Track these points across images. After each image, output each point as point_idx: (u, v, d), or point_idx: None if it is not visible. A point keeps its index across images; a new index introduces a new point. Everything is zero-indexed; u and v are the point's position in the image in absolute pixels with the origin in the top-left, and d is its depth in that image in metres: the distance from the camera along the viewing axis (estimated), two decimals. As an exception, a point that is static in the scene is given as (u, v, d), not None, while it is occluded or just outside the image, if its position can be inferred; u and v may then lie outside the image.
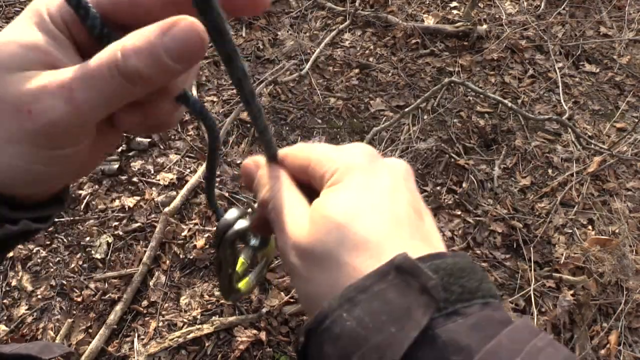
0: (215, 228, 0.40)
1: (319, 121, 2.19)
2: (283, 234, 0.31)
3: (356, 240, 0.27)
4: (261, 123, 0.33)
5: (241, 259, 0.42)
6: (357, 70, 2.40)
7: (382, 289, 0.24)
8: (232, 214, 0.39)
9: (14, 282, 1.64)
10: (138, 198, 1.86)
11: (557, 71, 2.43)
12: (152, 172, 1.94)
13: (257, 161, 0.37)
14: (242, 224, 0.39)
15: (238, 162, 1.98)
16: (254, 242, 0.42)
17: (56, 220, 1.78)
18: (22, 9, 2.51)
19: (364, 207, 0.28)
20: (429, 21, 2.64)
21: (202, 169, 1.91)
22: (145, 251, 1.70)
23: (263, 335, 1.53)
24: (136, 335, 1.55)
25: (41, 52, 0.25)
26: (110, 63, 0.23)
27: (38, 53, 0.25)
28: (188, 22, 0.24)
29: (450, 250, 0.29)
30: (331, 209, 0.28)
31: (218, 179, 1.92)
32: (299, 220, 0.31)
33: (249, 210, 0.40)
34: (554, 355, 0.23)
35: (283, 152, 0.36)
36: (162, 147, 2.02)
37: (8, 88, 0.24)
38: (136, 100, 0.26)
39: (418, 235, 0.28)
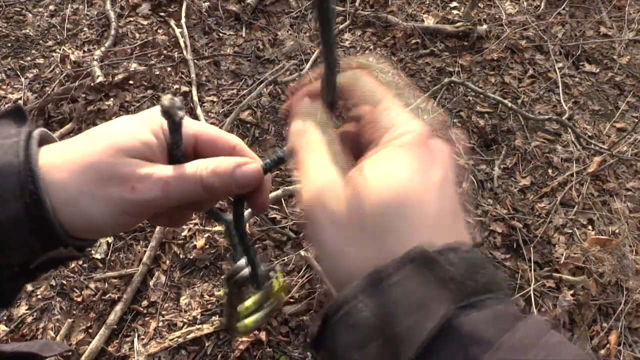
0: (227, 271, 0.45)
1: (319, 121, 2.19)
2: (314, 193, 0.30)
3: (398, 227, 0.27)
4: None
5: (246, 303, 0.44)
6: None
7: (400, 279, 0.25)
8: (243, 262, 0.42)
9: (14, 282, 1.64)
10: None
11: (557, 71, 2.43)
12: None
13: (301, 105, 0.36)
14: (246, 272, 0.42)
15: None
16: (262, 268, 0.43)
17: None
18: (23, 8, 2.51)
19: (415, 195, 0.28)
20: (429, 21, 2.64)
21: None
22: (145, 251, 1.70)
23: (263, 335, 1.53)
24: (136, 335, 1.55)
25: (150, 149, 0.35)
26: (196, 174, 0.34)
27: (148, 149, 0.35)
28: (254, 166, 0.36)
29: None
30: (381, 187, 0.28)
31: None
32: (334, 179, 0.29)
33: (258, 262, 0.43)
34: (565, 350, 0.23)
35: (353, 68, 0.36)
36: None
37: (124, 167, 0.33)
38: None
39: (454, 231, 0.29)
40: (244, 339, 1.53)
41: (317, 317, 0.28)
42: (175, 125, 0.34)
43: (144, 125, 0.35)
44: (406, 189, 0.28)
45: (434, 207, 0.28)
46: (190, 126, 0.38)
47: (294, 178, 0.32)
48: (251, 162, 0.36)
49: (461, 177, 2.03)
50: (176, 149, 0.35)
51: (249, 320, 0.44)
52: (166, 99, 0.32)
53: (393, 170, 0.28)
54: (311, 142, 0.32)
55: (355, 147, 0.33)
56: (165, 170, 0.34)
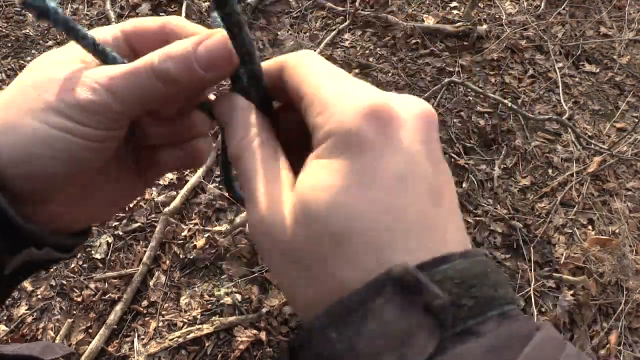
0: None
1: (319, 121, 2.19)
2: (255, 216, 0.25)
3: (354, 243, 0.22)
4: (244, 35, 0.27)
5: None
6: (357, 70, 2.40)
7: (377, 306, 0.21)
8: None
9: (14, 282, 1.64)
10: (138, 198, 1.86)
11: (557, 71, 2.43)
12: (152, 172, 1.94)
13: (229, 96, 0.29)
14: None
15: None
16: None
17: (56, 220, 1.78)
18: (22, 8, 2.51)
19: (368, 202, 0.22)
20: (429, 21, 2.64)
21: (202, 168, 1.91)
22: (145, 251, 1.70)
23: (263, 335, 1.53)
24: (136, 335, 1.55)
25: (88, 61, 0.29)
26: (147, 64, 0.27)
27: (85, 59, 0.29)
28: (220, 36, 0.27)
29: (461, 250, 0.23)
30: (325, 201, 0.22)
31: (218, 179, 1.92)
32: (277, 201, 0.24)
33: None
34: None
35: (280, 61, 0.29)
36: (162, 147, 2.02)
37: (57, 72, 0.27)
38: (164, 115, 0.30)
39: (431, 232, 0.22)
40: (244, 338, 1.53)
41: (284, 350, 0.24)
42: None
43: (64, 54, 0.29)
44: (358, 198, 0.22)
45: (396, 211, 0.22)
46: (107, 29, 0.31)
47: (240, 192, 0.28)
48: (217, 32, 0.28)
49: (461, 177, 2.03)
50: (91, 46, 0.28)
51: None
52: None
53: (338, 181, 0.22)
54: (252, 150, 0.27)
55: (301, 148, 0.27)
56: (107, 69, 0.28)
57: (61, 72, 0.27)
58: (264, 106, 0.30)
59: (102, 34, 0.30)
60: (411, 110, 0.24)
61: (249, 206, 0.25)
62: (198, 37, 0.28)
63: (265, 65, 0.29)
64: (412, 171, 0.23)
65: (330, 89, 0.24)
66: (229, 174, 0.36)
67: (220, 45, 0.27)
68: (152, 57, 0.27)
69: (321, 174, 0.23)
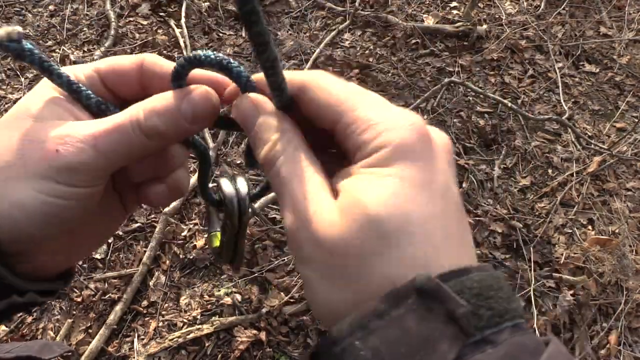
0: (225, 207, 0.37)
1: (319, 121, 2.18)
2: (298, 217, 0.25)
3: (406, 245, 0.23)
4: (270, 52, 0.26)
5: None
6: (357, 70, 2.40)
7: (400, 314, 0.21)
8: (227, 183, 0.36)
9: (13, 282, 1.64)
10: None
11: (557, 71, 2.43)
12: (152, 172, 1.94)
13: (258, 101, 0.29)
14: (244, 184, 0.36)
15: (238, 162, 1.98)
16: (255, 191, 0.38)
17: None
18: (23, 8, 2.51)
19: (422, 207, 0.23)
20: (429, 21, 2.64)
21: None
22: (145, 251, 1.70)
23: (263, 336, 1.53)
24: (136, 335, 1.55)
25: (65, 106, 0.29)
26: (132, 120, 0.28)
27: (63, 107, 0.29)
28: (203, 90, 0.29)
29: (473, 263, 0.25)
30: (376, 206, 0.23)
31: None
32: (321, 202, 0.25)
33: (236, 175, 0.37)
34: None
35: (298, 79, 0.28)
36: (162, 147, 2.02)
37: (39, 133, 0.27)
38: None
39: (457, 245, 0.24)
40: (244, 338, 1.53)
41: (305, 355, 0.24)
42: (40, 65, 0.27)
43: (44, 88, 0.30)
44: (408, 207, 0.23)
45: (440, 224, 0.24)
46: (81, 68, 0.31)
47: (275, 195, 0.28)
48: (199, 87, 0.29)
49: (461, 177, 2.03)
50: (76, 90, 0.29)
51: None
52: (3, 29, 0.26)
53: (388, 189, 0.24)
54: (289, 154, 0.27)
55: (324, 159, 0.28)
56: (90, 124, 0.28)
57: (43, 132, 0.27)
58: (283, 102, 0.30)
59: (77, 72, 0.30)
60: (439, 136, 0.27)
61: (289, 209, 0.26)
62: (181, 92, 0.29)
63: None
64: (449, 187, 0.25)
65: (367, 109, 0.26)
66: (204, 179, 0.37)
67: (203, 99, 0.28)
68: (137, 113, 0.28)
69: (377, 180, 0.24)
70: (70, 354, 1.48)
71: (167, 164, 0.34)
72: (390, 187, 0.24)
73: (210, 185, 0.39)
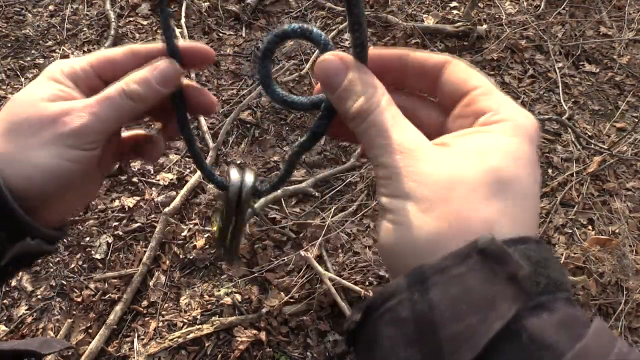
0: (224, 195, 0.39)
1: (319, 121, 2.19)
2: (407, 154, 0.26)
3: (504, 204, 0.25)
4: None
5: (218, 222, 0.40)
6: (357, 70, 2.40)
7: (461, 272, 0.22)
8: (236, 174, 0.38)
9: (13, 282, 1.64)
10: (138, 198, 1.86)
11: (557, 71, 2.43)
12: (152, 172, 1.94)
13: (344, 58, 0.32)
14: (251, 175, 0.38)
15: (238, 162, 1.98)
16: (264, 187, 0.39)
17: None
18: (23, 8, 2.51)
19: (524, 179, 0.26)
20: (429, 21, 2.64)
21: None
22: (145, 251, 1.70)
23: (263, 336, 1.53)
24: (136, 335, 1.55)
25: (64, 92, 0.36)
26: (118, 89, 0.36)
27: (62, 92, 0.36)
28: (167, 61, 0.37)
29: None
30: (498, 157, 0.26)
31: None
32: (428, 143, 0.27)
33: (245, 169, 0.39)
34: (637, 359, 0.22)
35: (440, 56, 0.32)
36: (162, 147, 2.02)
37: (47, 109, 0.34)
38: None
39: (535, 222, 0.27)
40: (244, 338, 1.53)
41: (358, 306, 0.25)
42: None
43: (42, 79, 0.36)
44: (518, 170, 0.26)
45: (532, 196, 0.26)
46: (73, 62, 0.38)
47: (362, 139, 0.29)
48: (162, 60, 0.37)
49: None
50: None
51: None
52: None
53: (509, 148, 0.26)
54: (384, 105, 0.29)
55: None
56: (86, 100, 0.36)
57: (51, 109, 0.34)
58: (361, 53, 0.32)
59: (73, 64, 0.37)
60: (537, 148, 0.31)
61: (393, 150, 0.27)
62: (150, 65, 0.37)
63: (420, 55, 0.33)
64: (540, 175, 0.28)
65: (502, 93, 0.30)
66: (201, 161, 0.40)
67: (168, 67, 0.37)
68: (121, 85, 0.36)
69: (502, 140, 0.27)
70: (70, 352, 1.48)
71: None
72: (512, 149, 0.26)
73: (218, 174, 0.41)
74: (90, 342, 1.50)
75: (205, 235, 1.76)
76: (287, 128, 2.14)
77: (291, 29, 0.33)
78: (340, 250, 1.74)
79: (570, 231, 1.90)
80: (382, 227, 0.27)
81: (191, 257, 1.71)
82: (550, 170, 2.10)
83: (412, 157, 0.26)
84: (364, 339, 0.25)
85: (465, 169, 0.25)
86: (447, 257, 0.23)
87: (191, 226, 1.78)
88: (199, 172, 1.90)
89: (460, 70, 0.31)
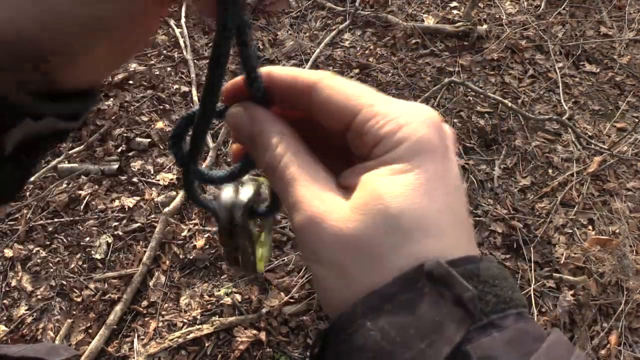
0: (218, 218, 0.34)
1: (319, 121, 2.19)
2: (308, 216, 0.25)
3: (421, 237, 0.24)
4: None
5: (256, 234, 0.36)
6: (357, 70, 2.40)
7: (409, 298, 0.22)
8: (228, 191, 0.33)
9: (13, 283, 1.64)
10: (138, 198, 1.86)
11: (557, 71, 2.43)
12: (152, 172, 1.94)
13: (249, 108, 0.29)
14: (247, 193, 0.33)
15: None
16: (261, 209, 0.35)
17: (56, 220, 1.78)
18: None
19: (434, 207, 0.24)
20: (429, 21, 2.64)
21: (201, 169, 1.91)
22: (145, 251, 1.70)
23: (263, 336, 1.53)
24: (136, 335, 1.55)
25: None
26: None
27: None
28: None
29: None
30: (395, 201, 0.24)
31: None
32: (331, 199, 0.26)
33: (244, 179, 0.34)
34: None
35: (307, 78, 0.28)
36: (161, 147, 2.02)
37: None
38: None
39: (466, 235, 0.26)
40: (244, 339, 1.53)
41: (317, 337, 0.25)
42: None
43: None
44: (422, 202, 0.24)
45: (452, 218, 0.25)
46: None
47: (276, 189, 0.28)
48: None
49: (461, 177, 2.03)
50: None
51: (263, 249, 0.37)
52: None
53: (406, 183, 0.24)
54: (291, 156, 0.27)
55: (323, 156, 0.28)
56: None
57: None
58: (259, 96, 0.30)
59: None
60: (446, 127, 0.28)
61: (297, 209, 0.26)
62: None
63: (282, 75, 0.29)
64: (458, 178, 0.26)
65: (384, 105, 0.26)
66: (189, 179, 0.33)
67: None
68: None
69: (397, 175, 0.25)
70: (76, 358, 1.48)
71: None
72: (410, 182, 0.24)
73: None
74: (90, 342, 1.50)
75: (205, 236, 1.76)
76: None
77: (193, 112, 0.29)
78: (340, 251, 1.74)
79: (571, 231, 1.90)
80: (314, 284, 0.27)
81: (191, 257, 1.71)
82: (550, 170, 2.10)
83: (316, 219, 0.25)
84: None
85: (368, 224, 0.24)
86: (395, 282, 0.23)
87: (191, 226, 1.78)
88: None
89: (331, 95, 0.27)
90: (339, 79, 0.28)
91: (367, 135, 0.26)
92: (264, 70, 0.29)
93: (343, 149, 0.29)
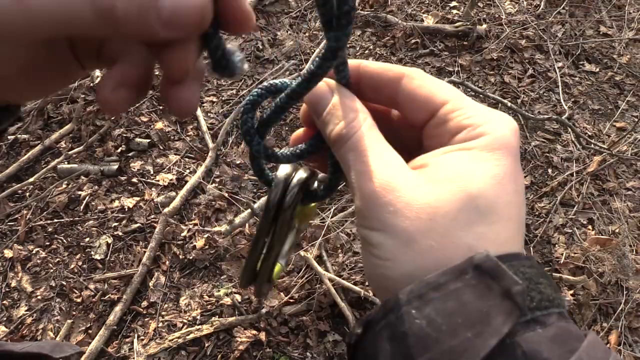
0: (267, 193, 0.32)
1: (319, 121, 2.18)
2: (381, 184, 0.26)
3: (494, 220, 0.25)
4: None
5: (294, 230, 0.34)
6: (356, 70, 2.40)
7: (457, 288, 0.23)
8: (285, 168, 0.32)
9: (13, 283, 1.64)
10: (137, 199, 1.86)
11: (557, 71, 2.43)
12: (152, 172, 1.94)
13: (330, 84, 0.31)
14: (303, 173, 0.32)
15: (238, 162, 1.98)
16: (319, 191, 0.34)
17: (56, 220, 1.78)
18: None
19: (506, 198, 0.26)
20: (429, 21, 2.64)
21: (201, 169, 1.91)
22: (144, 252, 1.70)
23: (263, 336, 1.53)
24: (136, 335, 1.55)
25: None
26: None
27: None
28: None
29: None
30: (476, 183, 0.25)
31: (217, 179, 1.92)
32: (405, 170, 0.27)
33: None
34: None
35: (397, 70, 0.31)
36: (161, 147, 2.02)
37: None
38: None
39: (522, 236, 0.27)
40: (244, 339, 1.53)
41: (360, 321, 0.25)
42: None
43: None
44: (499, 191, 0.26)
45: (517, 213, 0.26)
46: None
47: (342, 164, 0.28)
48: None
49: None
50: None
51: (278, 265, 0.35)
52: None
53: (487, 170, 0.26)
54: (364, 130, 0.28)
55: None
56: None
57: None
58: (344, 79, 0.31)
59: None
60: (518, 145, 0.30)
61: (367, 175, 0.27)
62: None
63: (371, 66, 0.31)
64: (523, 183, 0.28)
65: (471, 101, 0.29)
66: (258, 152, 0.32)
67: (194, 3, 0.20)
68: None
69: (479, 161, 0.26)
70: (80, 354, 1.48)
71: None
72: (491, 170, 0.26)
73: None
74: (90, 343, 1.50)
75: (205, 236, 1.76)
76: (286, 128, 2.14)
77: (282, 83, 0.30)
78: (340, 251, 1.74)
79: (570, 231, 1.90)
80: (366, 260, 0.27)
81: (191, 258, 1.71)
82: (550, 170, 2.10)
83: (389, 186, 0.26)
84: (362, 353, 0.25)
85: (444, 197, 0.25)
86: (445, 272, 0.23)
87: (191, 226, 1.78)
88: (198, 172, 1.90)
89: (421, 86, 0.30)
90: (426, 74, 0.31)
91: (452, 122, 0.28)
92: (354, 62, 0.31)
93: (407, 147, 0.30)
